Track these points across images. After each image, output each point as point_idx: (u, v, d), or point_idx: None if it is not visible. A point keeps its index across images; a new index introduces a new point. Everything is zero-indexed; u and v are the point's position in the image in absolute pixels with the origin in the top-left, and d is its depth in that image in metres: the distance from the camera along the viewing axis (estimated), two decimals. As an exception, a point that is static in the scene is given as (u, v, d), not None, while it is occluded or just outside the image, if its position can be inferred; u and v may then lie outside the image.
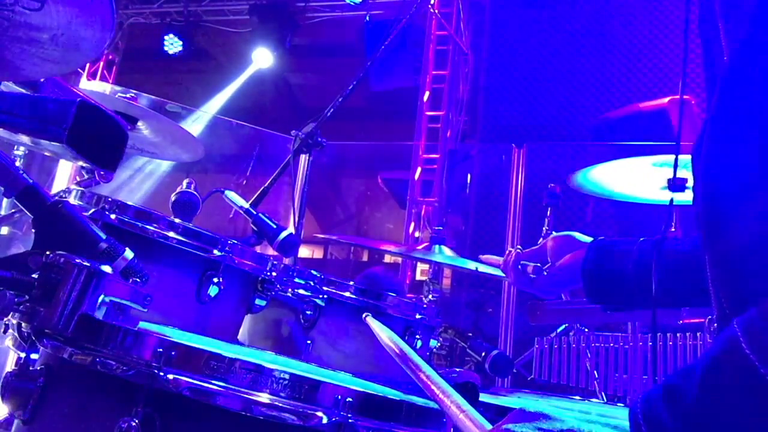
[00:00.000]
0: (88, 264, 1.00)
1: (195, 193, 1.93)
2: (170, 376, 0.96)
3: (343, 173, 10.02)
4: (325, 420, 0.99)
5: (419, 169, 6.26)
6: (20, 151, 3.33)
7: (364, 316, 1.15)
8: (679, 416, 0.66)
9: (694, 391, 0.66)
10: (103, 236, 1.10)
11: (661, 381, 0.72)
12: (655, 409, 0.69)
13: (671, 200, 1.46)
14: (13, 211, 2.85)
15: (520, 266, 1.55)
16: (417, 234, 6.07)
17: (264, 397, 0.98)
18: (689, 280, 1.19)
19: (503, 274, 1.71)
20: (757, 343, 0.62)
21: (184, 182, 1.96)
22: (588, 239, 1.49)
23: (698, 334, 2.79)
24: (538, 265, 1.53)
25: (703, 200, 0.82)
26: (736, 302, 0.70)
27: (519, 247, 1.60)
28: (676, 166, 1.15)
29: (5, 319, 1.15)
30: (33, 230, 1.07)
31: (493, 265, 1.85)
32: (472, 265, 2.11)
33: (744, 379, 0.62)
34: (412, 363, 0.98)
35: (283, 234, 1.84)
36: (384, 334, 1.08)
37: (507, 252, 1.61)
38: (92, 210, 1.52)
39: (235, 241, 1.69)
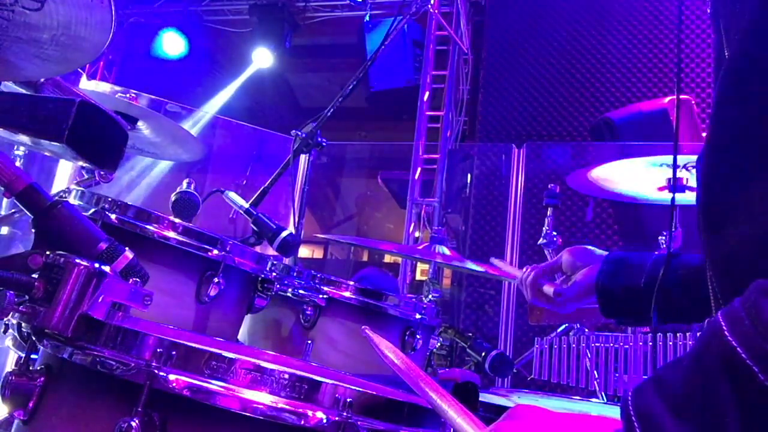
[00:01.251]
0: (88, 264, 1.00)
1: (195, 193, 1.94)
2: (170, 376, 0.96)
3: (343, 173, 10.02)
4: (325, 420, 0.99)
5: (419, 169, 6.26)
6: (20, 151, 3.33)
7: (362, 328, 1.15)
8: (668, 404, 0.68)
9: (682, 379, 0.68)
10: (103, 236, 1.10)
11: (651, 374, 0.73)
12: (645, 399, 0.70)
13: (672, 199, 1.46)
14: (13, 211, 2.85)
15: (539, 289, 1.53)
16: (417, 234, 6.07)
17: (264, 397, 0.98)
18: (700, 295, 1.17)
19: (511, 280, 1.69)
20: (738, 329, 0.64)
21: (184, 182, 1.97)
22: (603, 252, 1.47)
23: (698, 334, 2.80)
24: (558, 284, 1.50)
25: (703, 201, 0.82)
26: (732, 299, 0.71)
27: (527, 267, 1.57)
28: (675, 165, 1.15)
29: (5, 319, 1.15)
30: (33, 230, 1.07)
31: (505, 275, 1.83)
32: (472, 265, 2.11)
33: (725, 364, 0.63)
34: (412, 373, 0.99)
35: (283, 234, 1.84)
36: (383, 345, 1.09)
37: (524, 270, 1.59)
38: (92, 210, 1.52)
39: (235, 241, 1.69)
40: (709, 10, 0.91)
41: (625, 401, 0.72)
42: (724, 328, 0.65)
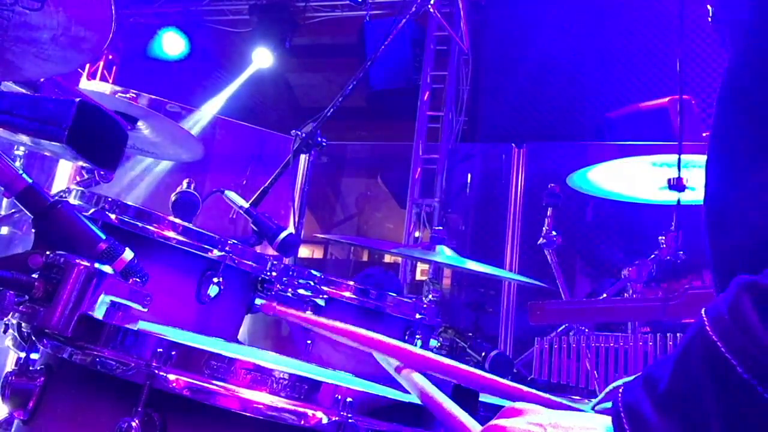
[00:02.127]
0: (88, 264, 1.00)
1: (195, 193, 1.94)
2: (170, 376, 0.96)
3: (343, 173, 10.01)
4: (325, 420, 0.98)
5: (419, 169, 6.26)
6: (20, 151, 3.33)
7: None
8: (653, 398, 0.69)
9: (667, 375, 0.69)
10: (103, 236, 1.10)
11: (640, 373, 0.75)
12: (633, 397, 0.72)
13: (677, 201, 1.45)
14: (13, 211, 2.85)
15: None
16: (417, 234, 6.07)
17: (264, 397, 0.98)
18: None
19: None
20: (719, 325, 0.66)
21: (184, 182, 1.97)
22: None
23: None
24: None
25: (706, 201, 0.83)
26: None
27: None
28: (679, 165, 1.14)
29: (5, 319, 1.15)
30: (33, 230, 1.07)
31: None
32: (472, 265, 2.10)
33: (707, 359, 0.65)
34: (408, 371, 0.99)
35: (283, 234, 1.84)
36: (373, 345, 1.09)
37: None
38: (92, 210, 1.53)
39: (235, 241, 1.69)
40: (709, 19, 0.92)
41: (615, 399, 0.73)
42: (706, 323, 0.67)
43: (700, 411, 0.65)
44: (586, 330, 3.29)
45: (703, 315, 0.68)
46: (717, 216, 0.81)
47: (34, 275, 1.00)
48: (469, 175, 5.89)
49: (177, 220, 1.62)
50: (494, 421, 0.78)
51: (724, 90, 0.82)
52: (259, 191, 2.23)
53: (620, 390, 0.74)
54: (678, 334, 2.88)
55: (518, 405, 0.79)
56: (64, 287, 0.98)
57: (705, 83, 5.37)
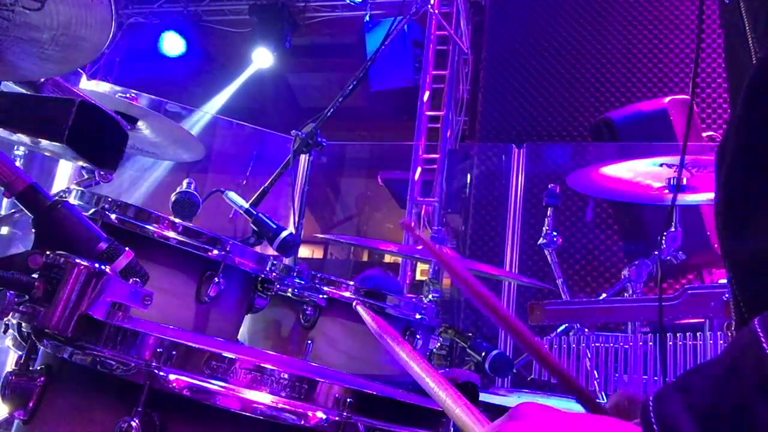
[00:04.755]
0: (88, 264, 1.00)
1: (195, 193, 1.94)
2: (170, 376, 0.96)
3: (343, 173, 10.02)
4: (325, 420, 0.99)
5: (419, 169, 6.25)
6: (20, 151, 3.33)
7: (354, 304, 1.14)
8: (696, 417, 0.63)
9: (711, 389, 0.64)
10: (103, 236, 1.10)
11: (673, 379, 0.70)
12: (669, 408, 0.66)
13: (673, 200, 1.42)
14: (13, 211, 2.85)
15: None
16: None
17: (264, 397, 0.98)
18: None
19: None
20: None
21: (184, 182, 1.97)
22: None
23: (698, 334, 2.79)
24: None
25: (723, 204, 0.80)
26: (754, 305, 0.69)
27: None
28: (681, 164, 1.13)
29: (5, 319, 1.15)
30: (33, 230, 1.07)
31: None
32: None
33: (763, 379, 0.60)
34: (404, 352, 0.97)
35: (283, 234, 1.84)
36: (375, 323, 1.07)
37: None
38: (92, 210, 1.53)
39: (235, 241, 1.69)
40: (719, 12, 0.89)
41: (646, 407, 0.67)
42: (762, 339, 0.60)
43: (748, 425, 0.59)
44: (586, 330, 3.29)
45: (757, 327, 0.61)
46: (738, 221, 0.78)
47: (34, 275, 1.00)
48: (469, 175, 5.89)
49: (177, 220, 1.62)
50: (502, 423, 0.73)
51: (752, 85, 0.78)
52: (259, 191, 2.23)
53: (650, 399, 0.68)
54: (677, 334, 2.88)
55: (529, 406, 0.72)
56: (64, 287, 0.98)
57: (705, 83, 5.37)
